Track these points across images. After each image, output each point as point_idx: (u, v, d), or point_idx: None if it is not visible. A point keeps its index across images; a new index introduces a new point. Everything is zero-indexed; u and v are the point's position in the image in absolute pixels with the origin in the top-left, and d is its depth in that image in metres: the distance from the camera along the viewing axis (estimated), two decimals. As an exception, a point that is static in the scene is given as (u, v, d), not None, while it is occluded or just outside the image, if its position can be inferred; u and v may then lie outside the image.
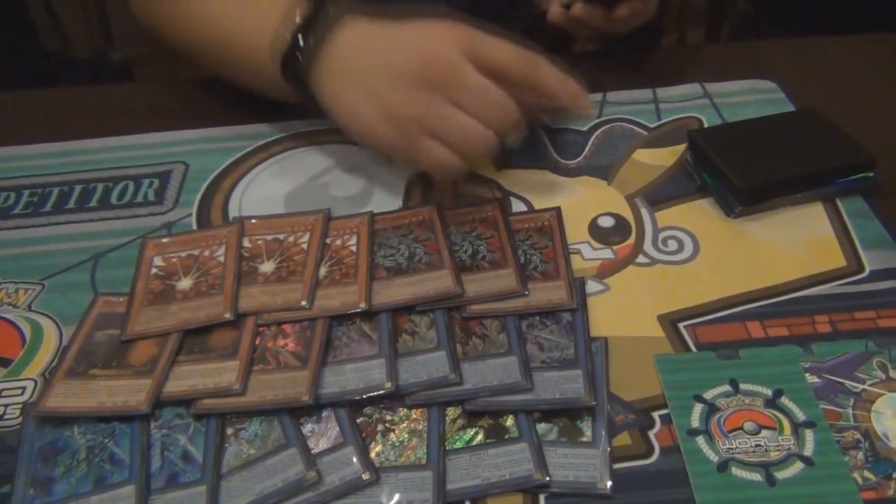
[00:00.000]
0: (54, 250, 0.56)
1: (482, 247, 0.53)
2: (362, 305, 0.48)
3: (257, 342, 0.47)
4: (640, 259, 0.53)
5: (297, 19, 0.55)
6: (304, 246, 0.53)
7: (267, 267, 0.52)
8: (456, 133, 0.51)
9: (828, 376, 0.45)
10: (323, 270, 0.51)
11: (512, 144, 0.52)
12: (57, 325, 0.50)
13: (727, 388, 0.45)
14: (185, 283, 0.51)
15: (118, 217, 0.58)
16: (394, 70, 0.52)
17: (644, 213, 0.57)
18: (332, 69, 0.54)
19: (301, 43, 0.54)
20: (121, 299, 0.51)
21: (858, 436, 0.42)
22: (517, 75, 0.51)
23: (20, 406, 0.46)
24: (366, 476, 0.41)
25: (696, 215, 0.57)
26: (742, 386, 0.45)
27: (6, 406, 0.46)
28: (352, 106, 0.54)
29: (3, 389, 0.47)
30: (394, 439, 0.43)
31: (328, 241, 0.53)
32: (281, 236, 0.54)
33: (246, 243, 0.53)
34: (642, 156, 0.62)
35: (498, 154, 0.53)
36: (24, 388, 0.47)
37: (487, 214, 0.56)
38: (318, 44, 0.54)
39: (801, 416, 0.43)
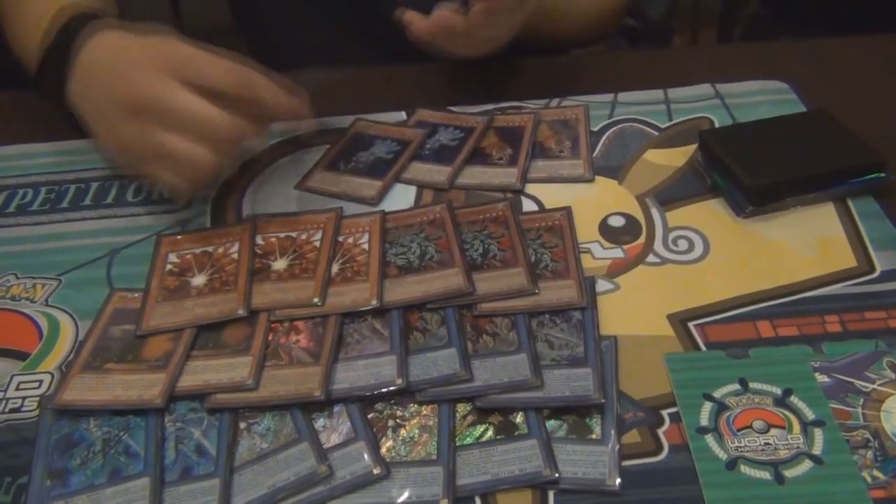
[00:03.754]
0: (71, 246, 0.57)
1: (493, 245, 0.53)
2: (374, 303, 0.49)
3: (270, 338, 0.48)
4: (651, 258, 0.54)
5: (64, 20, 0.57)
6: (317, 244, 0.53)
7: (280, 264, 0.52)
8: (170, 159, 0.51)
9: (837, 376, 0.45)
10: (335, 268, 0.52)
11: (259, 147, 0.56)
12: (73, 320, 0.51)
13: (736, 386, 0.45)
14: (199, 280, 0.51)
15: (134, 214, 0.59)
16: (112, 98, 0.53)
17: (654, 212, 0.57)
18: (77, 83, 0.56)
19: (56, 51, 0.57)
20: (136, 295, 0.51)
21: (868, 435, 0.42)
22: (231, 93, 0.51)
23: (37, 399, 0.46)
24: (377, 471, 0.41)
25: (707, 215, 0.57)
26: (751, 385, 0.45)
27: (23, 399, 0.47)
28: (91, 124, 0.56)
29: (20, 382, 0.48)
30: (404, 435, 0.44)
31: (340, 239, 0.54)
32: (294, 234, 0.54)
33: (259, 241, 0.54)
34: (653, 156, 0.62)
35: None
36: (41, 382, 0.48)
37: (498, 213, 0.56)
38: (74, 51, 0.55)
39: (810, 415, 0.43)
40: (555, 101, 0.68)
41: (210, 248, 0.54)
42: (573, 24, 0.76)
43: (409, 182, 0.60)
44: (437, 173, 0.60)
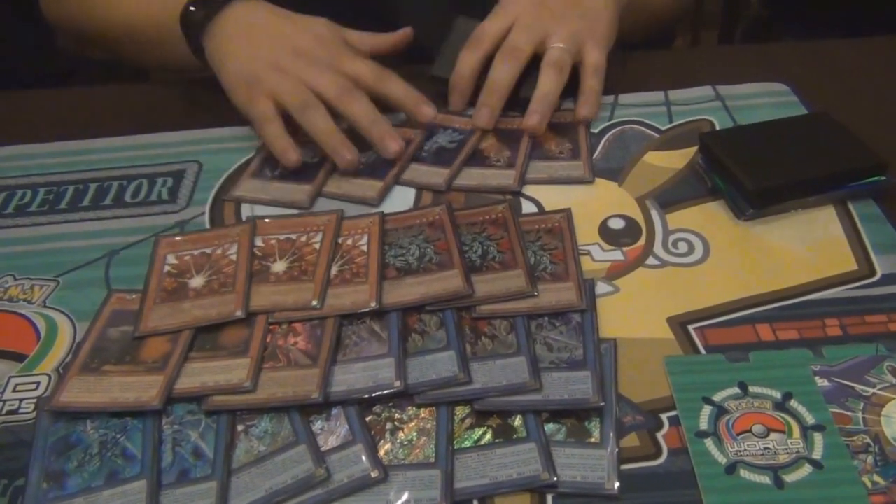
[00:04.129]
0: (69, 247, 0.57)
1: (492, 248, 0.53)
2: (373, 305, 0.49)
3: (268, 340, 0.48)
4: (650, 261, 0.54)
5: None
6: (317, 246, 0.53)
7: (279, 266, 0.52)
8: (308, 109, 0.60)
9: (838, 380, 0.45)
10: (334, 270, 0.52)
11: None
12: (71, 322, 0.51)
13: (736, 390, 0.45)
14: (197, 281, 0.51)
15: (132, 215, 0.59)
16: (290, 41, 0.62)
17: (654, 215, 0.57)
18: (223, 28, 0.63)
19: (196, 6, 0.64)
20: (134, 296, 0.51)
21: (868, 440, 0.42)
22: (369, 84, 0.61)
23: (34, 401, 0.46)
24: (374, 474, 0.41)
25: (707, 218, 0.57)
26: (751, 388, 0.45)
27: (21, 400, 0.46)
28: (233, 62, 0.63)
29: (17, 384, 0.47)
30: (402, 438, 0.43)
31: (339, 240, 0.54)
32: (293, 236, 0.54)
33: (258, 242, 0.54)
34: (653, 158, 0.62)
35: None
36: (38, 383, 0.47)
37: (498, 215, 0.56)
38: (215, 8, 0.63)
39: (810, 420, 0.43)
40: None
41: (208, 250, 0.54)
42: (649, 17, 0.77)
43: (408, 184, 0.60)
44: (436, 175, 0.60)
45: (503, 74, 0.63)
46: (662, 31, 0.85)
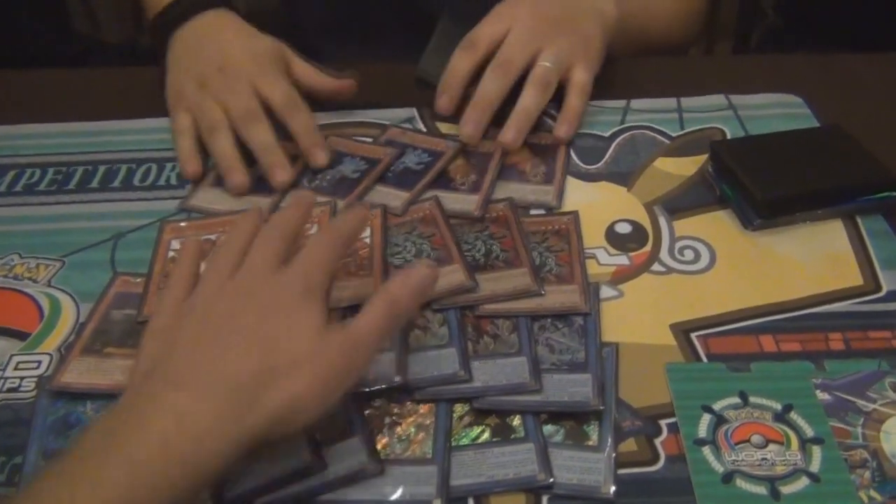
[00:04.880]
0: (76, 228, 0.57)
1: (495, 246, 0.53)
2: (377, 298, 0.49)
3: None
4: (656, 267, 0.53)
5: None
6: None
7: None
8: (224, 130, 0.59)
9: (838, 394, 0.45)
10: (338, 262, 0.52)
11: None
12: (75, 302, 0.51)
13: (736, 399, 0.45)
14: (201, 268, 0.51)
15: (140, 199, 0.59)
16: (223, 57, 0.61)
17: (662, 221, 0.57)
18: (183, 37, 0.64)
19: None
20: (138, 280, 0.51)
21: (867, 455, 0.42)
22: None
23: (35, 379, 0.46)
24: (371, 467, 0.41)
25: (715, 226, 0.56)
26: (751, 399, 0.45)
27: (22, 379, 0.47)
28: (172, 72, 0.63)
29: (19, 362, 0.48)
30: (400, 432, 0.43)
31: None
32: None
33: None
34: (663, 164, 0.62)
35: None
36: (39, 362, 0.47)
37: (499, 213, 0.56)
38: (186, 15, 0.64)
39: (809, 432, 0.43)
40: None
41: (213, 236, 0.54)
42: (643, 45, 0.76)
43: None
44: (396, 198, 0.57)
45: (493, 88, 0.61)
46: (676, 42, 0.85)
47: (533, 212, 0.57)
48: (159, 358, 0.39)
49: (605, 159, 0.63)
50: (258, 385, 0.37)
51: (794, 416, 0.44)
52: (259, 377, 0.37)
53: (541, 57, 0.62)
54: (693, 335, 0.49)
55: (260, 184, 0.59)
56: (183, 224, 0.55)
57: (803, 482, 0.41)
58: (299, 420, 0.38)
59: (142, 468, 0.34)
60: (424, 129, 0.65)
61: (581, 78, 0.63)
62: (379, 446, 0.43)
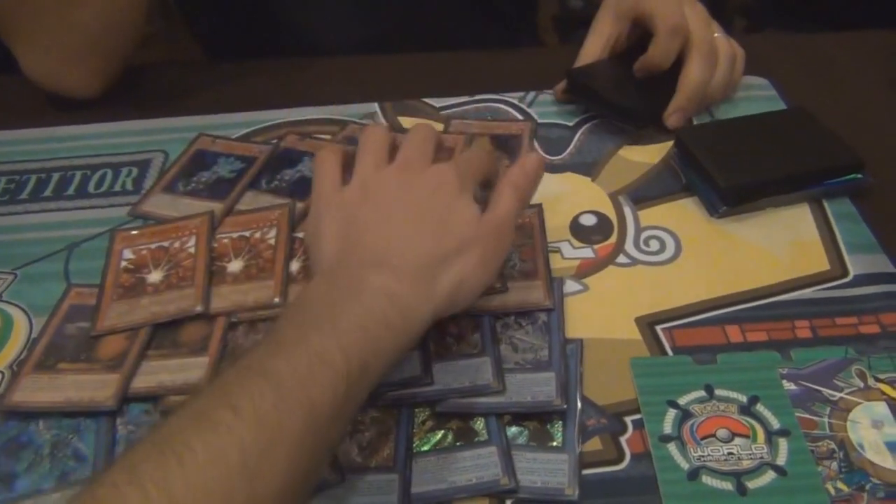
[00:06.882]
0: (29, 239, 0.55)
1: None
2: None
3: (228, 338, 0.47)
4: (621, 259, 0.53)
5: None
6: (272, 242, 0.52)
7: (235, 266, 0.50)
8: None
9: (805, 383, 0.44)
10: (296, 265, 0.50)
11: None
12: (28, 316, 0.50)
13: (702, 393, 0.44)
14: (155, 276, 0.50)
15: (95, 206, 0.58)
16: None
17: (627, 211, 0.56)
18: None
19: None
20: (93, 291, 0.50)
21: (833, 445, 0.42)
22: None
23: (-14, 399, 0.45)
24: (332, 477, 0.40)
25: (680, 215, 0.56)
26: (717, 392, 0.44)
27: (-28, 398, 0.45)
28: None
29: (-31, 381, 0.46)
30: (361, 440, 0.42)
31: (300, 235, 0.52)
32: (247, 233, 0.52)
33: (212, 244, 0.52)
34: (628, 153, 0.61)
35: None
36: (-9, 381, 0.46)
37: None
38: None
39: (775, 424, 0.43)
40: (531, 95, 0.67)
41: (166, 243, 0.52)
42: None
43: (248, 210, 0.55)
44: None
45: (704, 76, 0.61)
46: None
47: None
48: (348, 239, 0.43)
49: (569, 150, 0.61)
50: (437, 265, 0.41)
51: (760, 408, 0.43)
52: (437, 258, 0.42)
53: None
54: (658, 328, 0.48)
55: (215, 189, 0.57)
56: (134, 232, 0.53)
57: (770, 476, 0.40)
58: (466, 298, 0.43)
59: (369, 332, 0.38)
60: (386, 124, 0.64)
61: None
62: (339, 455, 0.42)
